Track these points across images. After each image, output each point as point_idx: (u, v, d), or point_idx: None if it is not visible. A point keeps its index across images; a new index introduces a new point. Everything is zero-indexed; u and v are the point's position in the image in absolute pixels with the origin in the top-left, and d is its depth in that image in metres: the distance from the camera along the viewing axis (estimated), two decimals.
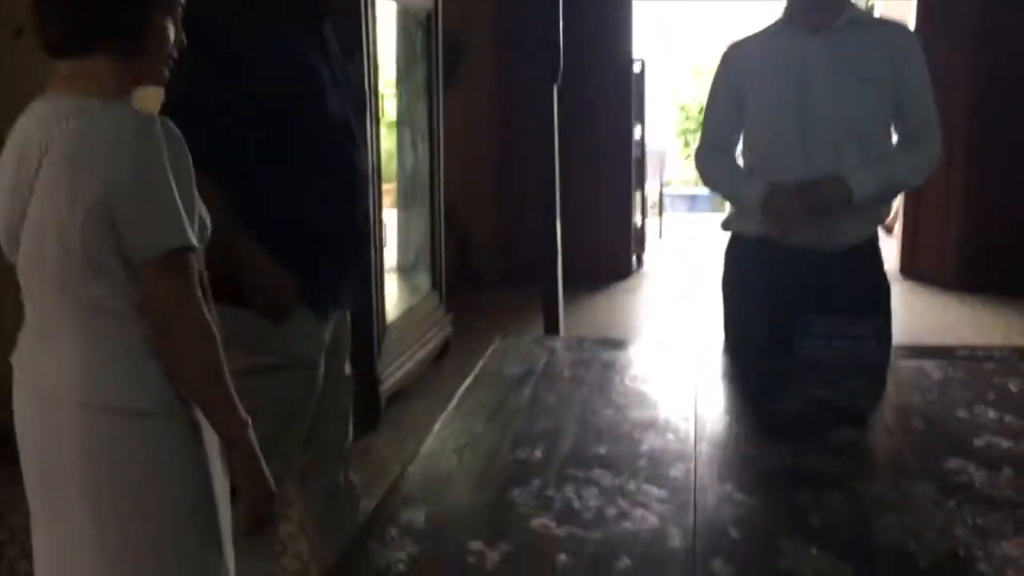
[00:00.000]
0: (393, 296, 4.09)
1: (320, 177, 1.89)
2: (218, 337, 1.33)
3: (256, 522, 1.33)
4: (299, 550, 2.67)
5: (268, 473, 1.34)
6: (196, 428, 1.36)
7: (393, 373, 3.94)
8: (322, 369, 1.94)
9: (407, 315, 4.25)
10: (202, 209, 1.37)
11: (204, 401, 1.33)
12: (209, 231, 1.39)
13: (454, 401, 1.98)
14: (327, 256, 1.90)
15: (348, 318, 2.17)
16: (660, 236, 9.22)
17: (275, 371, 1.84)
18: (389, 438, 3.64)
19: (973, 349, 2.35)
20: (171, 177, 1.25)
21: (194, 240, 1.29)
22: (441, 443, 1.74)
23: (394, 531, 1.37)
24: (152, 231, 1.26)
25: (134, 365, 1.32)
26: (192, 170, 1.30)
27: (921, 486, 1.50)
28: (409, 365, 4.13)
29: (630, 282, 7.02)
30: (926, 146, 2.29)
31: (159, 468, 1.33)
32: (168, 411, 1.33)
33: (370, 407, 3.68)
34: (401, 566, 1.27)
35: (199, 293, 1.31)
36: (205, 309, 1.31)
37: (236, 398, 1.33)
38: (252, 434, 1.33)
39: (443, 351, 4.67)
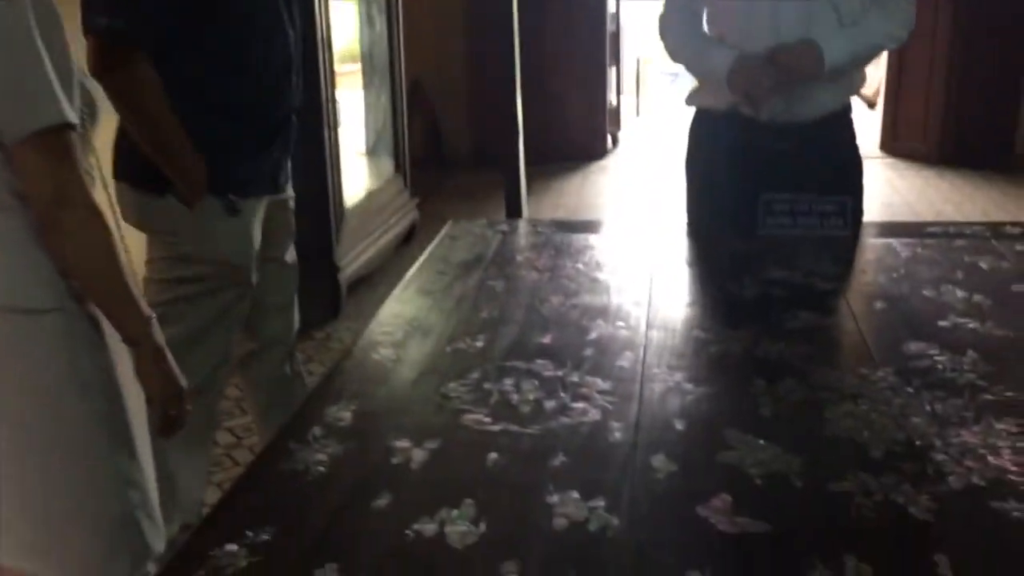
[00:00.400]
0: (353, 180, 3.94)
1: (241, 57, 1.74)
2: (111, 224, 1.20)
3: (166, 423, 1.24)
4: (233, 425, 2.63)
5: (177, 371, 1.24)
6: (97, 325, 1.25)
7: (354, 260, 3.82)
8: (252, 256, 1.83)
9: (368, 200, 4.11)
10: (90, 84, 1.22)
11: (99, 294, 1.21)
12: (99, 109, 1.24)
13: (397, 289, 1.88)
14: (249, 138, 1.76)
15: (290, 204, 2.04)
16: (637, 114, 9.01)
17: (198, 262, 1.73)
18: (350, 326, 3.55)
19: (945, 226, 2.25)
20: (41, 47, 1.10)
21: (73, 117, 1.15)
22: (379, 334, 1.64)
23: (318, 430, 1.29)
24: (23, 109, 1.12)
25: (22, 259, 1.20)
26: (66, 40, 1.15)
27: (880, 372, 1.42)
28: (371, 252, 4.01)
29: (604, 162, 6.86)
30: (901, 10, 2.14)
31: (59, 369, 1.23)
32: (63, 307, 1.22)
33: (330, 295, 3.58)
34: (321, 468, 1.19)
35: (82, 174, 1.18)
36: (92, 192, 1.18)
37: (137, 292, 1.22)
38: (157, 330, 1.22)
39: (408, 237, 4.55)
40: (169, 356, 1.24)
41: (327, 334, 3.50)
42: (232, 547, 1.02)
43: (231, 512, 1.11)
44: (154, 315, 1.22)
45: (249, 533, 1.04)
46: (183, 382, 1.25)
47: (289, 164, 1.97)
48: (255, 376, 2.04)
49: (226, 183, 1.73)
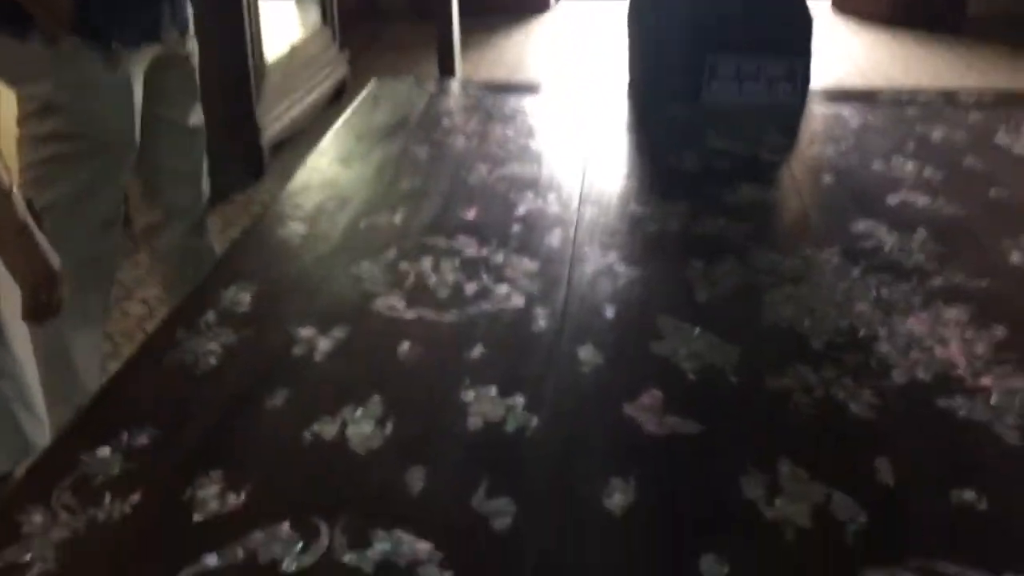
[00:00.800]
0: (275, 32, 3.66)
1: None
2: None
3: (37, 308, 1.10)
4: (146, 295, 2.49)
5: (47, 251, 1.10)
6: None
7: (277, 119, 3.60)
8: (133, 115, 1.64)
9: (291, 54, 3.84)
10: None
11: None
12: None
13: (310, 157, 1.72)
14: None
15: (191, 60, 1.84)
16: None
17: (72, 115, 1.55)
18: (273, 190, 3.37)
19: (897, 93, 2.14)
20: None
21: None
22: (288, 207, 1.50)
23: (211, 315, 1.16)
24: None
25: None
26: None
27: (824, 253, 1.33)
28: (296, 111, 3.78)
29: (546, 16, 6.56)
30: None
31: None
32: None
33: (251, 156, 3.38)
34: (211, 360, 1.07)
35: None
36: None
37: None
38: (19, 205, 1.07)
39: (338, 94, 4.31)
40: (37, 234, 1.09)
41: (248, 198, 3.32)
42: (104, 451, 0.91)
43: (105, 410, 0.99)
44: (14, 188, 1.07)
45: (125, 435, 0.93)
46: (55, 263, 1.11)
47: (185, 10, 1.76)
48: (159, 248, 1.89)
49: (96, 26, 1.52)
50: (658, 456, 0.92)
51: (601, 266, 1.30)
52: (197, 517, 0.82)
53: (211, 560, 0.77)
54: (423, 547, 0.79)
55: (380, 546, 0.79)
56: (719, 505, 0.85)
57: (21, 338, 1.18)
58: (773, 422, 0.97)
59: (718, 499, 0.86)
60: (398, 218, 1.44)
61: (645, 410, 0.98)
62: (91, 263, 1.63)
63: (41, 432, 1.21)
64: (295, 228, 1.41)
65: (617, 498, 0.85)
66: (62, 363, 1.62)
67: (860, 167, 1.67)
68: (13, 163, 1.71)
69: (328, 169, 1.67)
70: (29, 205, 1.14)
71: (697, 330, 1.13)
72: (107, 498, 0.84)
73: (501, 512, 0.83)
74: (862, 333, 1.13)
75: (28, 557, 0.78)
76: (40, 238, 1.09)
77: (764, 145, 1.77)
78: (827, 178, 1.62)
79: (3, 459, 1.15)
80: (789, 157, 1.75)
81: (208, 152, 1.91)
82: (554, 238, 1.38)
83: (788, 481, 0.88)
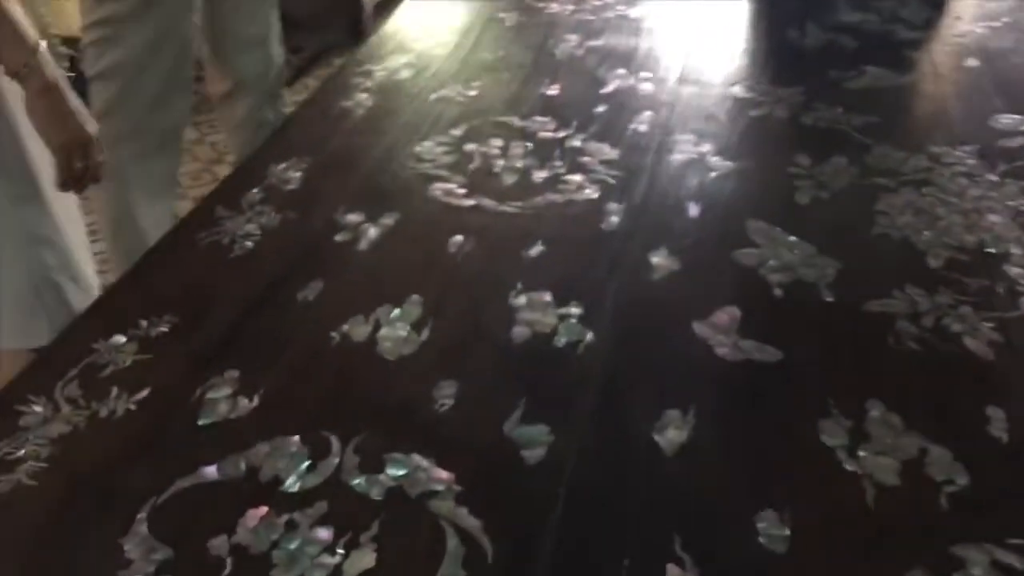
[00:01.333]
0: None
1: None
2: None
3: (70, 176, 1.03)
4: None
5: (81, 114, 1.02)
6: None
7: None
8: None
9: None
10: None
11: None
12: None
13: (389, 20, 1.59)
14: None
15: None
16: None
17: None
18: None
19: None
20: None
21: None
22: (356, 76, 1.38)
23: (257, 193, 1.07)
24: None
25: None
26: None
27: (958, 151, 1.14)
28: None
29: None
30: None
31: None
32: None
33: (352, 16, 3.25)
34: (248, 244, 0.98)
35: None
36: None
37: (18, 15, 0.97)
38: (48, 63, 0.98)
39: None
40: (69, 96, 1.01)
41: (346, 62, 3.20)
42: (119, 340, 0.84)
43: (127, 295, 0.93)
44: (43, 45, 0.98)
45: (143, 323, 0.86)
46: (91, 127, 1.03)
47: None
48: (231, 119, 1.81)
49: None
50: (725, 387, 0.79)
51: (691, 157, 1.14)
52: (203, 420, 0.75)
53: (209, 472, 0.70)
54: (441, 476, 0.70)
55: (393, 471, 0.70)
56: (789, 451, 0.73)
57: (65, 206, 1.13)
58: (868, 355, 0.83)
59: (789, 444, 0.73)
60: (472, 92, 1.31)
61: (718, 330, 0.85)
62: (155, 129, 1.57)
63: (88, 300, 1.16)
64: (360, 99, 1.30)
65: (670, 434, 0.74)
66: (128, 232, 1.59)
67: (1013, 51, 1.43)
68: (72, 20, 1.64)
69: (406, 35, 1.54)
70: (73, 65, 1.06)
71: (792, 238, 0.98)
72: (113, 392, 0.78)
73: (535, 441, 0.73)
74: (991, 251, 0.96)
75: (22, 452, 0.72)
76: (73, 100, 1.02)
77: (901, 20, 1.54)
78: (971, 62, 1.39)
79: (48, 331, 1.11)
80: (929, 35, 1.52)
81: (306, 13, 1.79)
82: (642, 122, 1.23)
83: (877, 427, 0.74)
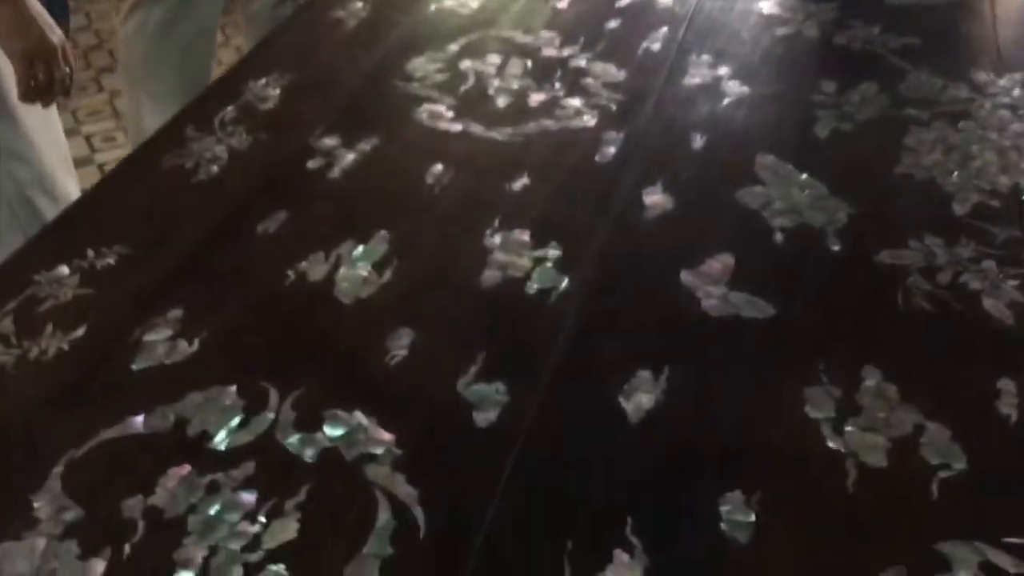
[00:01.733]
0: None
1: None
2: None
3: (33, 86, 0.97)
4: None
5: (46, 23, 0.95)
6: None
7: None
8: None
9: None
10: None
11: None
12: None
13: None
14: None
15: None
16: None
17: None
18: None
19: None
20: None
21: None
22: None
23: (230, 111, 1.00)
24: None
25: None
26: None
27: (1004, 81, 1.03)
28: None
29: None
30: None
31: None
32: None
33: None
34: (213, 168, 0.92)
35: None
36: None
37: None
38: None
39: None
40: (32, 3, 0.94)
41: None
42: (62, 271, 0.79)
43: (77, 221, 0.87)
44: None
45: (90, 253, 0.81)
46: (55, 37, 0.96)
47: None
48: (249, 12, 1.73)
49: None
50: (706, 346, 0.72)
51: (704, 80, 1.05)
52: (136, 365, 0.70)
53: (135, 423, 0.66)
54: (382, 437, 0.64)
55: (331, 430, 0.65)
56: (767, 424, 0.66)
57: (43, 119, 1.07)
58: (871, 314, 0.75)
59: (768, 415, 0.66)
60: (475, 2, 1.21)
61: (708, 280, 0.78)
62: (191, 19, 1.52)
63: None
64: (353, 8, 1.21)
65: (637, 399, 0.67)
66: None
67: None
68: None
69: None
70: None
71: (804, 176, 0.89)
72: (48, 330, 0.73)
73: (489, 401, 0.67)
74: None
75: None
76: (36, 6, 0.95)
77: None
78: None
79: (21, 243, 1.07)
80: None
81: None
82: (656, 40, 1.13)
83: (871, 399, 0.67)
